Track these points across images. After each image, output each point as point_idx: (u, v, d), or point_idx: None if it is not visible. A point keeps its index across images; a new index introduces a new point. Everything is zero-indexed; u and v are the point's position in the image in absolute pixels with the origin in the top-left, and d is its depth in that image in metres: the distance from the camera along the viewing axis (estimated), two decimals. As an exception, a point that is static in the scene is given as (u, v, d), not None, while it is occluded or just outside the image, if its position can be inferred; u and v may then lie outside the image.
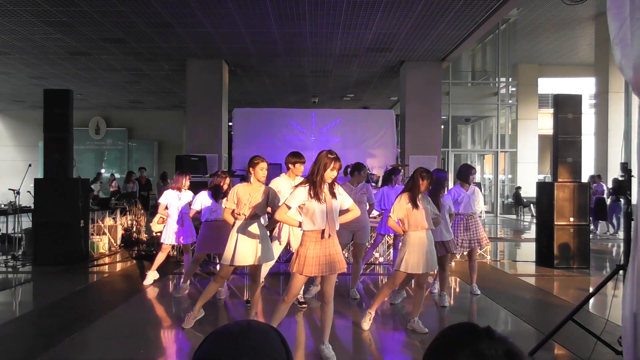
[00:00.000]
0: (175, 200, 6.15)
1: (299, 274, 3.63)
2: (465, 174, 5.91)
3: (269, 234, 4.59)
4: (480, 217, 6.00)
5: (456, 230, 5.79)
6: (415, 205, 4.34)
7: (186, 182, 6.22)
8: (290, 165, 5.03)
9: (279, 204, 4.13)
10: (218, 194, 5.54)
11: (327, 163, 3.60)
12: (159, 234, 6.64)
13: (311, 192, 3.60)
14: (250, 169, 4.33)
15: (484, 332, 0.89)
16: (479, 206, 5.94)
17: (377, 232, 6.92)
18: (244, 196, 4.26)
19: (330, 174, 3.61)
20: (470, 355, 0.85)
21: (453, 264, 7.52)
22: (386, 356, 4.18)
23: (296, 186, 3.72)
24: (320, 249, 3.62)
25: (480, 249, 7.70)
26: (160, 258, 6.34)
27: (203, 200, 5.55)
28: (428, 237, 4.39)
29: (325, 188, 3.67)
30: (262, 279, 5.36)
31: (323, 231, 3.62)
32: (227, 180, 5.68)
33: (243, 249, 4.25)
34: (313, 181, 3.62)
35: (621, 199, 11.75)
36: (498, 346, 0.86)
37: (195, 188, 6.37)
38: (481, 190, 6.52)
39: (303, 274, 3.63)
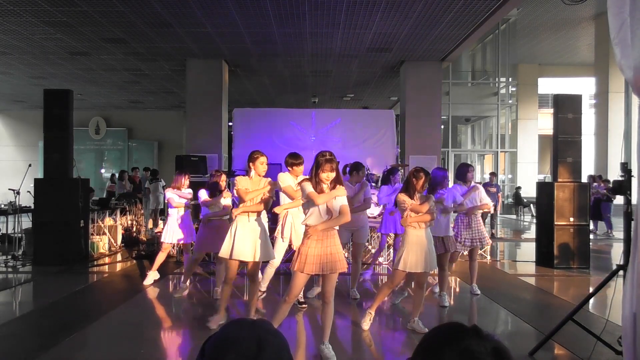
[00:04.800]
0: (175, 197, 6.17)
1: (299, 272, 3.64)
2: (462, 172, 5.93)
3: (268, 233, 4.59)
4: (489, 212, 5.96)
5: (458, 228, 5.78)
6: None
7: (185, 181, 6.23)
8: (289, 167, 5.05)
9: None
10: (215, 191, 5.58)
11: (319, 164, 3.63)
12: (159, 233, 6.65)
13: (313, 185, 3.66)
14: (250, 164, 4.36)
15: (472, 330, 0.90)
16: (486, 201, 5.93)
17: (380, 233, 6.90)
18: (246, 192, 4.29)
19: (324, 175, 3.62)
20: (459, 353, 0.87)
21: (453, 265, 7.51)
22: (386, 356, 4.18)
23: (300, 182, 3.78)
24: (321, 247, 3.64)
25: (481, 248, 7.69)
26: (160, 258, 6.35)
27: (202, 197, 5.61)
28: (427, 236, 4.40)
29: (326, 188, 3.68)
30: (266, 283, 5.36)
31: (314, 227, 3.63)
32: (223, 177, 5.72)
33: (241, 244, 4.25)
34: (312, 183, 3.66)
35: (612, 200, 11.85)
36: (486, 344, 0.88)
37: (195, 188, 6.39)
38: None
39: (304, 272, 3.64)
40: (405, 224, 4.40)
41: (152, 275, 6.43)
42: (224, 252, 4.32)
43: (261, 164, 4.33)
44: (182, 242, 6.26)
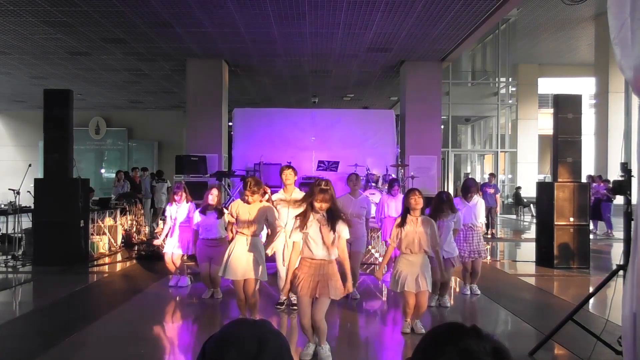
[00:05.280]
0: (173, 212, 6.18)
1: (293, 293, 3.72)
2: (464, 190, 5.99)
3: (264, 253, 4.55)
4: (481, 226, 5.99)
5: (455, 241, 5.73)
6: (404, 226, 4.32)
7: (181, 195, 6.15)
8: (282, 176, 5.09)
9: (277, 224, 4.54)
10: (206, 211, 5.61)
11: (313, 193, 3.59)
12: (158, 233, 6.62)
13: (302, 217, 3.64)
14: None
15: (471, 330, 0.90)
16: (480, 219, 5.89)
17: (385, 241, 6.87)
18: (243, 214, 4.32)
19: (317, 204, 3.58)
20: (459, 352, 0.87)
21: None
22: (385, 356, 4.18)
23: (296, 216, 3.74)
24: (314, 273, 3.59)
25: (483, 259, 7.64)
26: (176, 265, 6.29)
27: (198, 218, 5.65)
28: (421, 261, 4.31)
29: (321, 216, 3.64)
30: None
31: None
32: (213, 192, 5.67)
33: (235, 264, 4.30)
34: (305, 208, 3.67)
35: (612, 200, 11.84)
36: (485, 344, 0.88)
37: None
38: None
39: (298, 292, 3.63)
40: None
41: (187, 280, 6.37)
42: (218, 270, 4.48)
43: (245, 196, 4.37)
44: (176, 254, 6.19)
